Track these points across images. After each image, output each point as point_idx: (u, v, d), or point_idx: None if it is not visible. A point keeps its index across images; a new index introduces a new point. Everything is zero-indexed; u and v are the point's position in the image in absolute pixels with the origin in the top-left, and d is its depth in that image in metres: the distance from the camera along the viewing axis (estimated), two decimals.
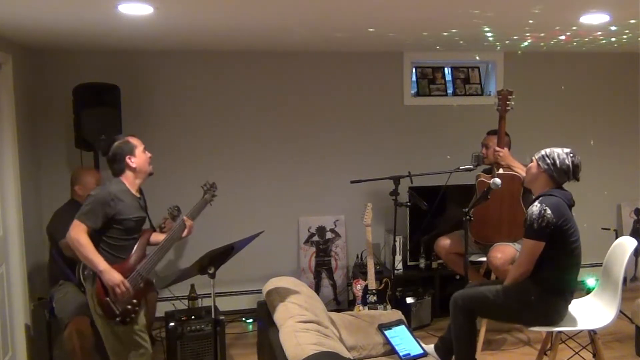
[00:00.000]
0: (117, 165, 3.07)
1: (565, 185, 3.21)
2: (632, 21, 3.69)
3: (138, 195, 3.14)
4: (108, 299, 2.95)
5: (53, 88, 4.57)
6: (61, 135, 4.61)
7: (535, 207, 3.06)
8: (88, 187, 3.78)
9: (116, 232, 3.02)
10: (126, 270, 3.00)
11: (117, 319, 2.99)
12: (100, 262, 2.93)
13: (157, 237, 3.29)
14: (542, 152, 3.20)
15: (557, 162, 3.13)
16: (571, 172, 3.14)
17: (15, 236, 3.89)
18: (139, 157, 3.10)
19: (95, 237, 2.99)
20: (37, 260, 4.26)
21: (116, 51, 4.66)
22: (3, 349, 3.68)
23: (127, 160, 3.06)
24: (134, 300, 3.02)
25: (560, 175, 3.14)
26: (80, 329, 3.46)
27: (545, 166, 3.15)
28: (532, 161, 3.26)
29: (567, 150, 3.17)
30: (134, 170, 3.08)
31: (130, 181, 3.09)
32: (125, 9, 3.02)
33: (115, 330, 3.03)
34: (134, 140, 3.13)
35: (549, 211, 3.01)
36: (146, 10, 3.07)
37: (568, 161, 3.13)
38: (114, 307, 2.97)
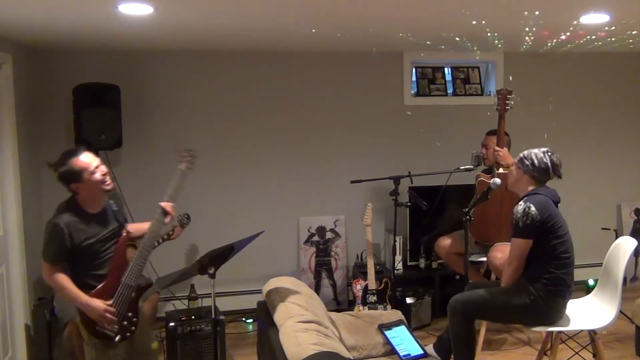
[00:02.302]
0: (66, 187, 2.83)
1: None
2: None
3: (98, 208, 2.90)
4: (97, 328, 2.83)
5: (53, 88, 4.56)
6: (61, 135, 4.60)
7: (520, 206, 3.11)
8: None
9: (86, 257, 2.84)
10: (110, 287, 2.84)
11: (117, 338, 2.85)
12: (78, 297, 2.76)
13: (136, 226, 3.09)
14: (520, 154, 3.26)
15: (536, 161, 3.18)
16: (551, 170, 3.19)
17: (15, 236, 3.89)
18: (87, 182, 2.80)
19: (72, 265, 2.83)
20: (37, 260, 4.24)
21: (116, 51, 4.66)
22: (3, 349, 3.68)
23: (73, 187, 2.81)
24: (129, 314, 2.90)
25: (541, 174, 3.19)
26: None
27: (525, 167, 3.20)
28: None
29: (544, 149, 3.23)
30: (83, 195, 2.84)
31: (82, 201, 2.84)
32: (125, 9, 3.02)
33: (118, 353, 2.88)
34: (81, 163, 2.79)
35: (532, 208, 3.04)
36: (146, 10, 3.07)
37: (546, 159, 3.18)
38: (108, 332, 2.84)
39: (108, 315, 2.80)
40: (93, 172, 2.80)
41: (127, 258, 2.93)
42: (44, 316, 3.86)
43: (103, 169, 2.86)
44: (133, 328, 2.91)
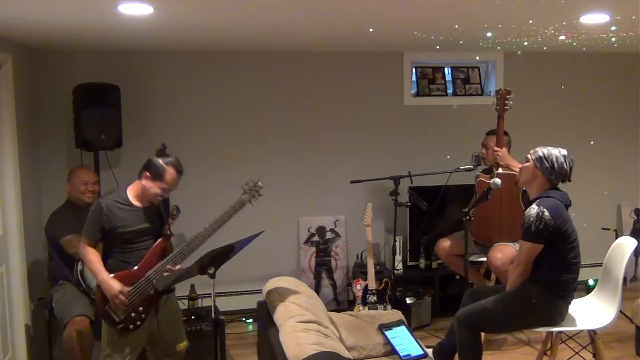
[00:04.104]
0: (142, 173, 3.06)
1: (562, 185, 3.20)
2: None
3: (142, 205, 3.05)
4: (107, 307, 2.97)
5: (53, 88, 4.56)
6: (61, 135, 4.60)
7: (533, 210, 3.02)
8: (74, 187, 3.85)
9: (117, 241, 3.02)
10: (132, 277, 2.98)
11: (119, 326, 2.98)
12: (99, 273, 2.97)
13: None
14: (539, 152, 3.14)
15: (556, 165, 3.09)
16: (567, 176, 3.14)
17: (15, 236, 3.89)
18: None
19: (105, 243, 3.06)
20: (37, 260, 4.25)
21: (116, 51, 4.66)
22: (3, 349, 3.68)
23: (144, 175, 3.04)
24: (140, 308, 3.00)
25: (557, 178, 3.12)
26: (80, 329, 3.45)
27: (543, 169, 3.11)
28: (527, 160, 3.21)
29: (564, 152, 3.14)
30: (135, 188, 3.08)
31: (133, 192, 3.06)
32: (125, 9, 3.02)
33: (131, 341, 3.03)
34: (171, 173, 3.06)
35: (547, 213, 2.98)
36: (146, 10, 3.07)
37: (566, 166, 3.11)
38: (113, 316, 2.97)
39: (121, 297, 2.93)
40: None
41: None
42: (44, 316, 3.86)
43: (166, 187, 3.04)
44: (139, 322, 3.02)
